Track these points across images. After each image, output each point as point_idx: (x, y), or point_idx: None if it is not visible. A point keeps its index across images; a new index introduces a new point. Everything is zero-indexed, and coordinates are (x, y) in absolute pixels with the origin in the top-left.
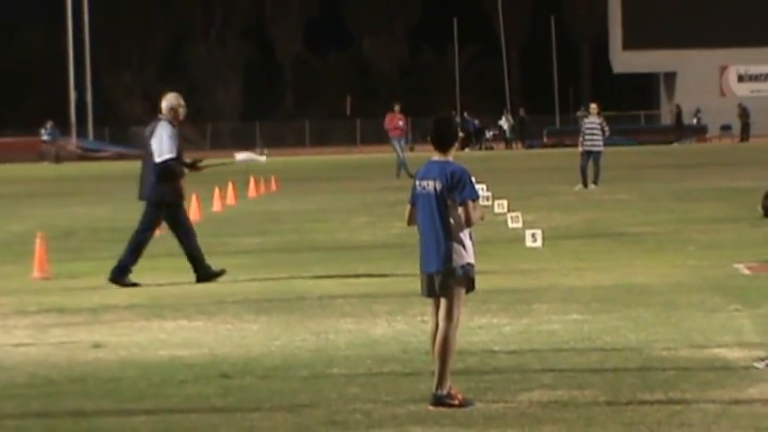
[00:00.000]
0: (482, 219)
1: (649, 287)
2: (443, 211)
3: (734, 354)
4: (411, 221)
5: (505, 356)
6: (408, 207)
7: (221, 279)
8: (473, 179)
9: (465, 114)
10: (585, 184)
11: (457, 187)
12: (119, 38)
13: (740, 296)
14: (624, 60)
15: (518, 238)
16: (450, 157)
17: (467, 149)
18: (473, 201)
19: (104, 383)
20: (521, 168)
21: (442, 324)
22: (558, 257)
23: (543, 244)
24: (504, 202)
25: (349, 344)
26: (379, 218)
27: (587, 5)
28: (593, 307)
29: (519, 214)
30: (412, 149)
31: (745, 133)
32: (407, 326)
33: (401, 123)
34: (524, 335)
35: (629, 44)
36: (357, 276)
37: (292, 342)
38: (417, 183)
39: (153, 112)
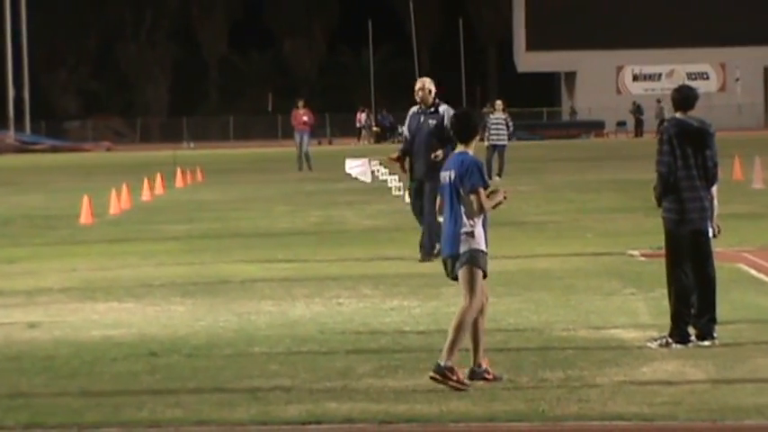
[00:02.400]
0: (502, 201)
1: (550, 272)
2: (456, 200)
3: (629, 334)
4: (440, 211)
5: (415, 336)
6: (438, 200)
7: (149, 264)
8: (483, 169)
9: (380, 111)
10: (490, 176)
11: (466, 175)
12: (54, 38)
13: (635, 281)
14: (528, 60)
15: None
16: (470, 150)
17: (382, 143)
18: (483, 188)
19: (39, 361)
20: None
21: (460, 304)
22: None
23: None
24: None
25: (269, 324)
26: (298, 207)
27: (493, 9)
28: (498, 291)
29: None
30: (330, 143)
31: (638, 129)
32: (324, 308)
33: (305, 119)
34: (433, 316)
35: (532, 45)
36: (277, 261)
37: (216, 323)
38: (442, 175)
39: (86, 108)
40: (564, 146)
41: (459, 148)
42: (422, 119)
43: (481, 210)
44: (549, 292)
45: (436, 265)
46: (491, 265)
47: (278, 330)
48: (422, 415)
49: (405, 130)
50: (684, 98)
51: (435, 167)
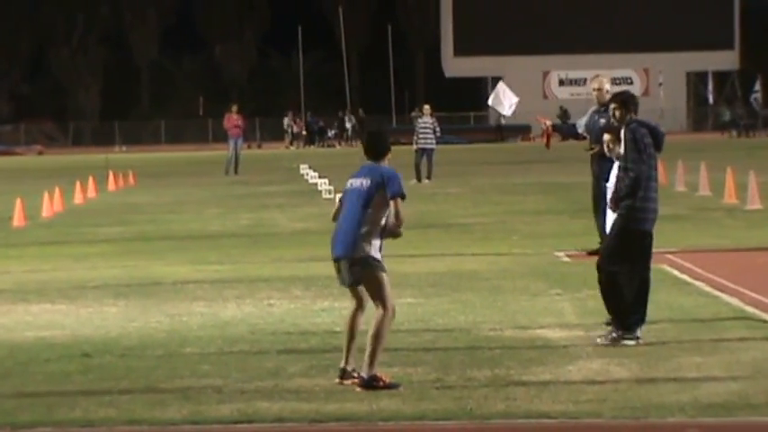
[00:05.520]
0: (399, 234)
1: (478, 273)
2: (365, 205)
3: (555, 334)
4: (336, 216)
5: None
6: (338, 204)
7: (82, 266)
8: (402, 181)
9: (309, 115)
10: (419, 179)
11: (387, 184)
12: None
13: (561, 281)
14: (455, 66)
15: None
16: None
17: (311, 147)
18: (402, 198)
19: None
20: (359, 165)
21: (377, 313)
22: (394, 246)
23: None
24: None
25: (201, 325)
26: (229, 209)
27: (422, 15)
28: (426, 291)
29: None
30: (260, 147)
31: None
32: (255, 309)
33: (239, 123)
34: (363, 317)
35: (459, 51)
36: (209, 263)
37: (148, 324)
38: (349, 182)
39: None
40: (491, 149)
41: (371, 164)
42: (596, 117)
43: (398, 216)
44: (476, 292)
45: None
46: (419, 266)
47: (209, 331)
48: (352, 414)
49: (582, 126)
50: (637, 103)
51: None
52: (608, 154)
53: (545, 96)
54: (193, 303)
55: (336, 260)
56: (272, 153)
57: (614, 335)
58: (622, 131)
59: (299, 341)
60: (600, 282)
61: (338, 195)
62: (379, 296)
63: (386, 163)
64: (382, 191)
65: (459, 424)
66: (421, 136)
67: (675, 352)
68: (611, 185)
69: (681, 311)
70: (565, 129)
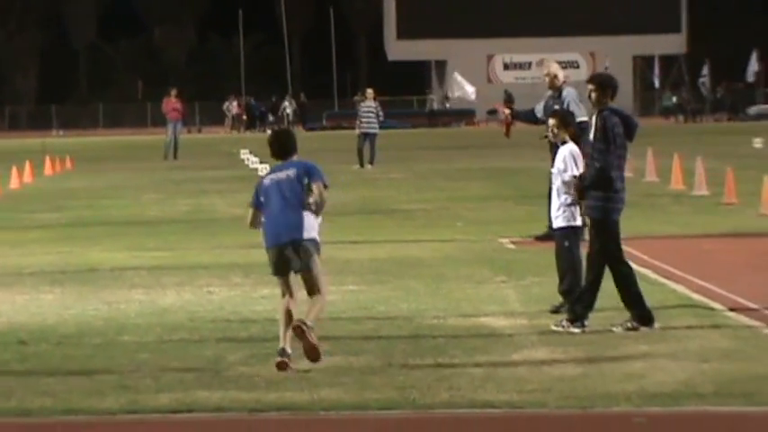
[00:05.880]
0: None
1: (421, 260)
2: (299, 193)
3: (499, 322)
4: (254, 224)
5: None
6: (252, 210)
7: (18, 252)
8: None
9: (250, 99)
10: (362, 164)
11: (312, 173)
12: None
13: (505, 269)
14: (398, 49)
15: None
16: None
17: (251, 132)
18: (325, 187)
19: None
20: (302, 149)
21: (316, 303)
22: (336, 232)
23: (322, 220)
24: None
25: (139, 313)
26: (168, 195)
27: None
28: (368, 278)
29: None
30: (200, 131)
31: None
32: (195, 296)
33: (178, 107)
34: (303, 306)
35: (402, 34)
36: (147, 250)
37: (85, 311)
38: (267, 180)
39: None
40: (435, 134)
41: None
42: (551, 102)
43: (322, 197)
44: (419, 280)
45: None
46: (361, 253)
47: (148, 319)
48: (293, 403)
49: (540, 111)
50: (616, 86)
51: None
52: (551, 139)
53: (489, 80)
54: (131, 290)
55: (281, 246)
56: (212, 138)
57: (631, 324)
58: (593, 118)
59: (239, 329)
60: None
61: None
62: (320, 280)
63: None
64: (308, 180)
65: (401, 413)
66: (363, 120)
67: (622, 340)
68: (555, 170)
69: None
70: (523, 115)
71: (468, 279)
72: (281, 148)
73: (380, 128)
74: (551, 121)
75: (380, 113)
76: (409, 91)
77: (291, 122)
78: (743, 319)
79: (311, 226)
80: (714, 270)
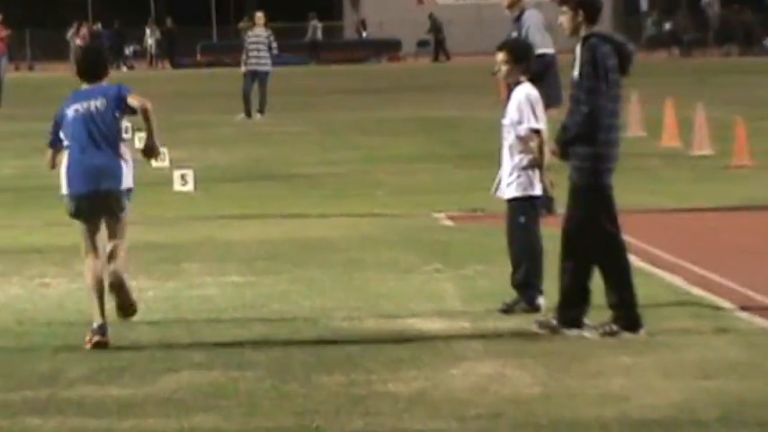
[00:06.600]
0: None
1: (328, 242)
2: (112, 128)
3: (433, 324)
4: (54, 164)
5: (147, 328)
6: (50, 152)
7: None
8: None
9: (99, 27)
10: (249, 113)
11: (121, 96)
12: None
13: (440, 253)
14: None
15: (164, 180)
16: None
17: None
18: (132, 95)
19: None
20: (168, 93)
21: (120, 248)
22: (215, 204)
23: (196, 188)
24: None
25: None
26: None
27: None
28: (258, 267)
29: (165, 150)
30: (31, 69)
31: (439, 51)
32: (24, 290)
33: (2, 36)
34: (171, 301)
35: None
36: None
37: None
38: (69, 111)
39: None
40: (347, 73)
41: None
42: (510, 30)
43: (144, 103)
44: (326, 269)
45: (176, 233)
46: (248, 233)
47: None
48: None
49: None
50: (599, 7)
51: None
52: (499, 78)
53: (420, 1)
54: None
55: (89, 196)
56: (49, 78)
57: (609, 328)
58: (577, 49)
59: (85, 335)
60: (567, 259)
61: (138, 135)
62: (124, 235)
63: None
64: (119, 109)
65: None
66: (251, 54)
67: (596, 350)
68: (508, 122)
69: (604, 294)
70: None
71: (390, 267)
72: (91, 67)
73: (273, 64)
74: (499, 55)
75: (274, 45)
76: (312, 15)
77: (155, 56)
78: (758, 320)
79: (127, 171)
80: (720, 255)
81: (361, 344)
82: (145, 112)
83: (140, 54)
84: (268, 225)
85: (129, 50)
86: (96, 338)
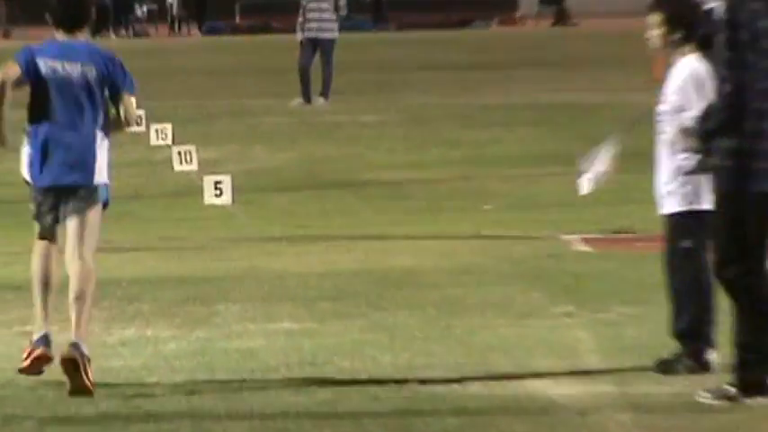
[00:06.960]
0: (138, 123)
1: (417, 275)
2: (96, 105)
3: (563, 389)
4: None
5: (167, 393)
6: (15, 68)
7: None
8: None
9: None
10: (308, 97)
11: (116, 75)
12: None
13: (573, 290)
14: None
15: (191, 189)
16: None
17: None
18: (131, 95)
19: None
20: (195, 69)
21: (84, 255)
22: (260, 223)
23: (234, 200)
24: (168, 128)
25: None
26: None
27: None
28: (320, 309)
29: (192, 149)
30: (7, 35)
31: (560, 16)
32: None
33: None
34: (200, 357)
35: None
36: None
37: None
38: (42, 63)
39: None
40: (443, 40)
41: (66, 37)
42: None
43: (131, 119)
44: (414, 311)
45: (207, 263)
46: (307, 262)
47: None
48: None
49: None
50: None
51: None
52: (652, 48)
53: None
54: None
55: (57, 189)
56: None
57: (728, 388)
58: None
59: (74, 405)
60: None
61: (155, 128)
62: (94, 240)
63: (84, 38)
64: (107, 85)
65: None
66: (311, 17)
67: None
68: (665, 109)
69: None
70: None
71: (503, 310)
72: (70, 11)
73: (339, 30)
74: (652, 17)
75: (342, 4)
76: None
77: (179, 19)
78: None
79: (103, 162)
80: None
81: (463, 416)
82: (125, 126)
83: (158, 15)
84: (333, 251)
85: (141, 10)
86: (37, 352)
